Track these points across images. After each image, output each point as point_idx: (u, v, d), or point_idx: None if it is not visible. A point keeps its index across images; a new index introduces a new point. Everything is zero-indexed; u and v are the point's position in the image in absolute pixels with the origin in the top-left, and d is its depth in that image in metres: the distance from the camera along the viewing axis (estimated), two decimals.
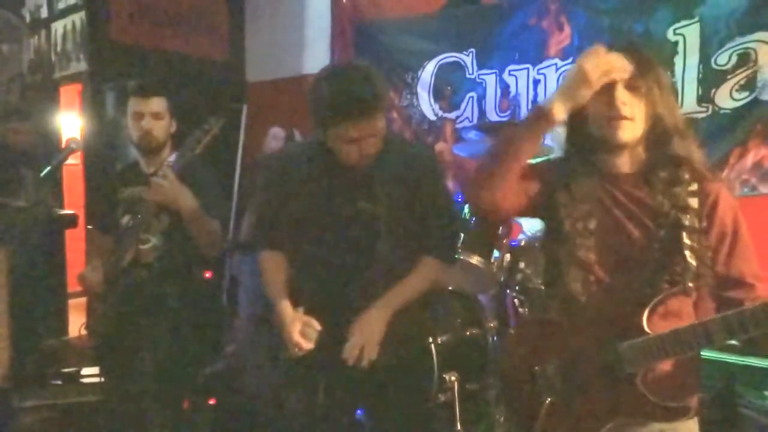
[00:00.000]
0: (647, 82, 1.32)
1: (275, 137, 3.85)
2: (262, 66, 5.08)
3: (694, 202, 1.30)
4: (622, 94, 1.32)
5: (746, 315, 1.14)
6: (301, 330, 1.78)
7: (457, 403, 2.02)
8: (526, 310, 2.68)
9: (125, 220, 2.33)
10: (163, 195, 2.16)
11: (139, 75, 4.06)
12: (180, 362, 2.31)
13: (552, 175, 1.43)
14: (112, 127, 3.94)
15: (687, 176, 1.32)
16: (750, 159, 3.16)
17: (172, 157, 2.24)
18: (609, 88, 1.32)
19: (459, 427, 2.01)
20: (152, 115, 2.30)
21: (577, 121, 1.38)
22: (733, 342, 1.21)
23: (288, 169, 1.90)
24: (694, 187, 1.32)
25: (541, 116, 1.34)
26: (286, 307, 1.84)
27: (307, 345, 1.77)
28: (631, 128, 1.33)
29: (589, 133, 1.38)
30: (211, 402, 2.99)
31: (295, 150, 2.05)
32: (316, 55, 4.79)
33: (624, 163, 1.38)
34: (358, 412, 2.00)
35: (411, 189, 1.81)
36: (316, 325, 1.79)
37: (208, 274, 2.63)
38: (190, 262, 2.36)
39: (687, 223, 1.27)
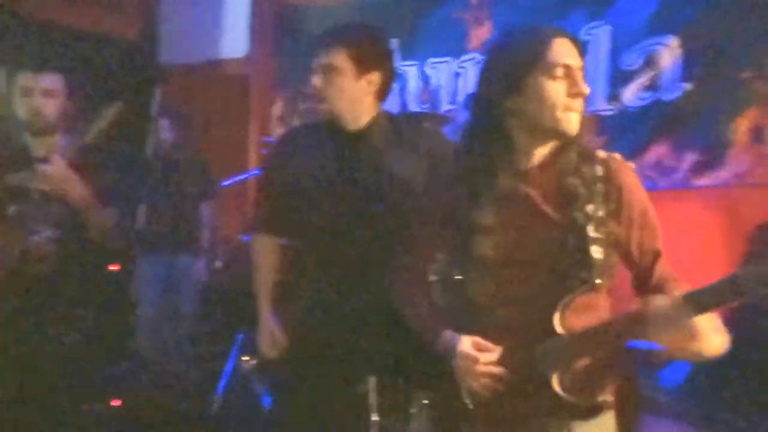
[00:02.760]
0: None
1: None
2: (176, 48, 4.85)
3: (599, 190, 1.27)
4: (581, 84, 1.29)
5: (648, 314, 1.16)
6: (269, 340, 1.87)
7: (373, 394, 2.02)
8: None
9: (11, 209, 2.14)
10: (50, 183, 2.00)
11: (36, 51, 3.75)
12: (80, 362, 2.16)
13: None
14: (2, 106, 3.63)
15: (590, 165, 1.30)
16: (651, 156, 3.38)
17: (64, 141, 2.08)
18: (569, 75, 1.27)
19: (376, 418, 2.01)
20: (43, 92, 2.09)
21: (500, 115, 1.32)
22: None
23: (290, 150, 1.87)
24: (600, 172, 1.29)
25: (441, 348, 1.35)
26: (265, 310, 1.89)
27: (271, 354, 1.87)
28: (578, 120, 1.30)
29: (515, 126, 1.31)
30: (116, 404, 2.82)
31: (298, 130, 2.01)
32: (234, 39, 4.64)
33: (528, 158, 1.32)
34: (265, 399, 2.00)
35: (424, 166, 1.78)
36: (282, 341, 1.87)
37: (114, 267, 2.47)
38: (92, 255, 2.20)
39: (592, 214, 1.25)
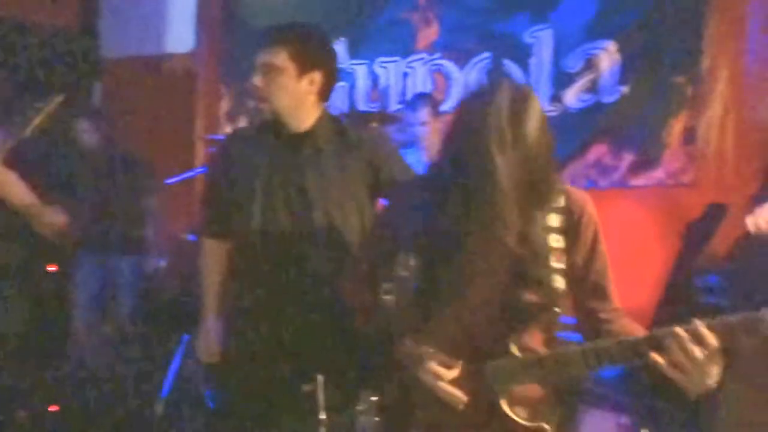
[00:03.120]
0: None
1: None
2: (119, 41, 4.70)
3: (560, 220, 1.30)
4: None
5: (601, 350, 1.20)
6: (208, 345, 1.89)
7: (320, 393, 2.03)
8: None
9: None
10: None
11: None
12: (14, 365, 2.08)
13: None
14: None
15: (553, 196, 1.32)
16: (591, 156, 3.50)
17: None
18: None
19: (323, 416, 2.02)
20: None
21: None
22: None
23: (234, 152, 1.85)
24: (561, 203, 1.32)
25: (401, 355, 1.36)
26: (209, 314, 1.89)
27: (210, 359, 1.90)
28: None
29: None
30: (53, 409, 2.72)
31: (242, 132, 1.99)
32: (179, 33, 4.53)
33: None
34: (207, 393, 2.00)
35: (370, 168, 1.80)
36: (218, 348, 1.89)
37: (52, 268, 2.39)
38: (29, 255, 2.13)
39: (554, 245, 1.28)
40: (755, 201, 2.00)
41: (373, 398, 2.38)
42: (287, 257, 1.80)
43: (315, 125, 1.80)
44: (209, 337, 1.90)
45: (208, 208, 1.95)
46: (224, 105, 4.60)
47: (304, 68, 1.73)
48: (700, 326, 1.11)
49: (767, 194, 1.97)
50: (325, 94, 1.80)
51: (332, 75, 1.80)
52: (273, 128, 1.80)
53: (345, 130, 1.84)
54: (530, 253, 1.27)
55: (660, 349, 1.14)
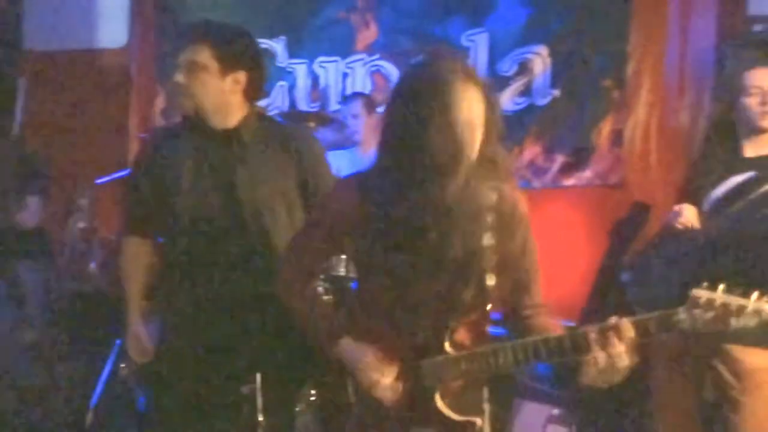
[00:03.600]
0: None
1: None
2: (45, 34, 4.49)
3: (492, 217, 1.31)
4: None
5: (529, 346, 1.24)
6: (137, 346, 1.86)
7: (259, 395, 2.01)
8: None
9: None
10: None
11: None
12: None
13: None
14: None
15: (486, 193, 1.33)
16: (525, 157, 3.61)
17: None
18: None
19: (261, 418, 2.00)
20: None
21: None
22: None
23: (158, 149, 1.82)
24: (493, 200, 1.32)
25: (333, 348, 1.38)
26: (134, 315, 1.86)
27: (142, 359, 1.87)
28: None
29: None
30: None
31: (166, 130, 1.97)
32: (111, 28, 4.38)
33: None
34: (140, 400, 1.96)
35: (298, 168, 1.78)
36: (149, 347, 1.85)
37: None
38: None
39: (486, 243, 1.30)
40: (677, 200, 2.11)
41: (312, 398, 2.38)
42: (216, 254, 1.78)
43: (241, 123, 1.78)
44: (138, 337, 1.87)
45: (130, 206, 1.92)
46: (160, 102, 4.48)
47: (227, 67, 1.72)
48: (620, 323, 1.16)
49: (688, 193, 2.07)
50: (252, 93, 1.79)
51: (258, 75, 1.78)
52: (196, 125, 1.77)
53: (273, 129, 1.84)
54: (468, 250, 1.29)
55: (581, 345, 1.19)
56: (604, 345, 1.16)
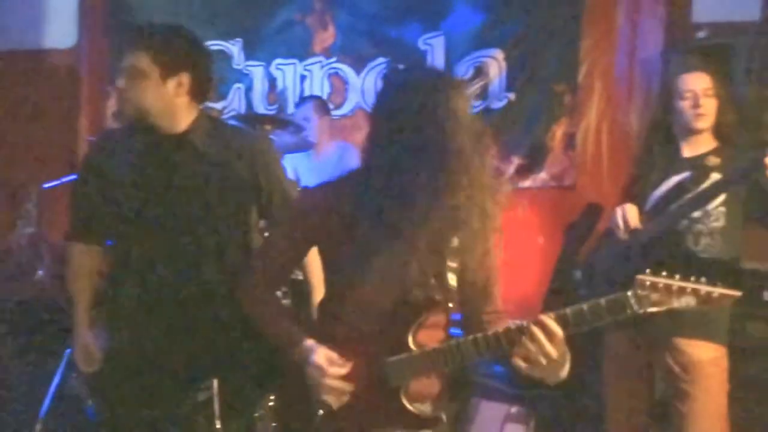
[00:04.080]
0: None
1: None
2: None
3: (462, 221, 1.32)
4: None
5: (491, 339, 1.28)
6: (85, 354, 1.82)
7: (216, 401, 1.98)
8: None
9: None
10: None
11: None
12: None
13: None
14: None
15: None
16: None
17: None
18: None
19: (218, 426, 1.97)
20: None
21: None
22: None
23: (105, 153, 1.79)
24: (465, 203, 1.32)
25: (285, 344, 1.40)
26: (81, 322, 1.83)
27: (89, 368, 1.84)
28: None
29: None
30: None
31: (114, 133, 1.92)
32: (60, 28, 4.25)
33: None
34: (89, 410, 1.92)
35: (250, 171, 1.76)
36: (97, 355, 1.82)
37: None
38: None
39: (451, 245, 1.33)
40: (622, 201, 2.17)
41: (271, 403, 2.35)
42: (165, 260, 1.75)
43: (191, 127, 1.76)
44: (86, 346, 1.82)
45: (76, 212, 1.87)
46: (111, 105, 4.36)
47: (168, 71, 1.69)
48: (546, 319, 1.23)
49: (632, 194, 2.13)
50: (198, 95, 1.76)
51: (202, 75, 1.75)
52: (146, 129, 1.74)
53: (225, 132, 1.81)
54: (433, 250, 1.32)
55: (515, 341, 1.25)
56: (532, 340, 1.23)
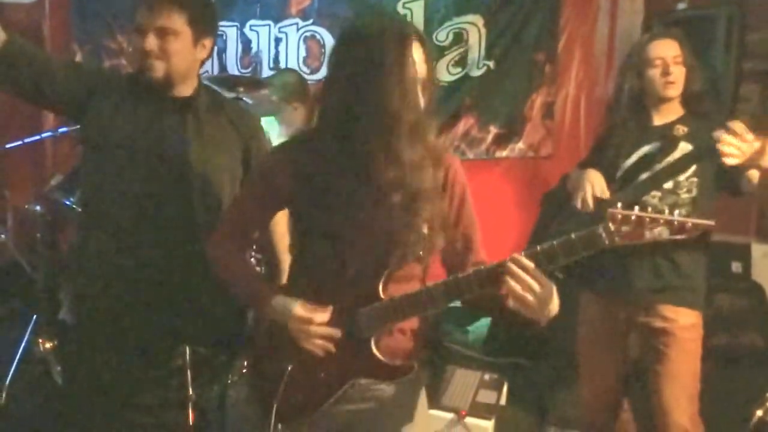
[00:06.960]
0: None
1: None
2: None
3: (433, 174, 1.32)
4: None
5: (461, 281, 1.26)
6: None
7: (188, 368, 1.95)
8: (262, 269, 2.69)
9: None
10: None
11: None
12: None
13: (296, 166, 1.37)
14: None
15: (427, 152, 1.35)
16: (460, 128, 3.63)
17: None
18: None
19: (190, 392, 1.95)
20: None
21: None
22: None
23: (109, 103, 1.72)
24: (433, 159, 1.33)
25: (271, 313, 1.36)
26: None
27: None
28: None
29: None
30: None
31: (119, 81, 1.80)
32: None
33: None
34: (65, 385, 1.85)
35: (241, 141, 1.77)
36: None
37: None
38: None
39: (425, 196, 1.30)
40: (579, 167, 2.16)
41: (244, 370, 2.32)
42: (143, 225, 1.71)
43: (195, 93, 1.76)
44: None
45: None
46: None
47: (199, 34, 1.69)
48: (516, 255, 1.21)
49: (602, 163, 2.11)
50: (205, 60, 1.77)
51: (214, 43, 1.77)
52: (151, 90, 1.70)
53: (221, 102, 1.82)
54: (407, 197, 1.29)
55: (499, 279, 1.22)
56: (512, 276, 1.20)
